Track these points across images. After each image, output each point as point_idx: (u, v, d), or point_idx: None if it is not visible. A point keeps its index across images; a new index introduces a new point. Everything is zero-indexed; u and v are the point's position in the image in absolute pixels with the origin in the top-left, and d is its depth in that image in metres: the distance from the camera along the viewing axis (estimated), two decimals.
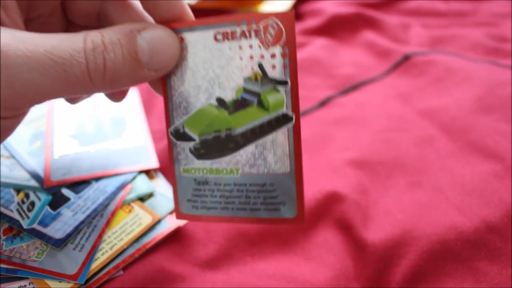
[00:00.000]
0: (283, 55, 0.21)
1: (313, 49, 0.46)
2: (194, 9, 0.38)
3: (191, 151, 0.24)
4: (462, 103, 0.37)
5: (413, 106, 0.38)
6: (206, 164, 0.23)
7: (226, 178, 0.23)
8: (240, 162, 0.23)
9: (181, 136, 0.24)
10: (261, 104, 0.22)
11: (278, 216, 0.23)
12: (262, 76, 0.21)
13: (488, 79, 0.39)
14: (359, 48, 0.48)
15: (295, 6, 0.55)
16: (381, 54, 0.46)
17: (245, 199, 0.23)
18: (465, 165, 0.32)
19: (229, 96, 0.22)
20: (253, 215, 0.23)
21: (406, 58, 0.44)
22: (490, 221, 0.27)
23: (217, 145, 0.23)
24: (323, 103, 0.40)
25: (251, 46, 0.21)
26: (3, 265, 0.24)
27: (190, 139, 0.23)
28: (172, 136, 0.24)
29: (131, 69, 0.20)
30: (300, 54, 0.45)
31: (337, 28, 0.50)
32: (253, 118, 0.22)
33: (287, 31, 0.21)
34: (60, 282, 0.24)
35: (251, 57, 0.21)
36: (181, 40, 0.22)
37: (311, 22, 0.51)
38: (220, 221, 0.24)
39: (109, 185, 0.29)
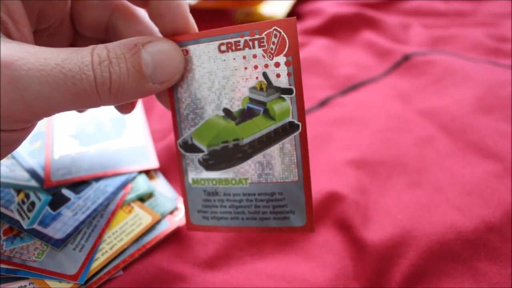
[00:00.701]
0: (287, 63, 0.21)
1: (313, 49, 0.46)
2: (194, 9, 0.38)
3: (199, 162, 0.24)
4: (462, 103, 0.37)
5: (413, 106, 0.38)
6: (215, 174, 0.24)
7: (235, 188, 0.23)
8: (248, 172, 0.23)
9: (189, 147, 0.24)
10: (267, 114, 0.22)
11: (288, 224, 0.23)
12: (267, 85, 0.22)
13: (488, 79, 0.39)
14: (359, 48, 0.48)
15: (295, 6, 0.55)
16: (381, 54, 0.46)
17: (254, 209, 0.23)
18: (465, 165, 0.32)
19: (235, 106, 0.22)
20: (263, 224, 0.23)
21: (406, 58, 0.44)
22: (489, 221, 0.27)
23: (225, 156, 0.23)
24: (323, 103, 0.40)
25: (255, 56, 0.21)
26: (3, 265, 0.24)
27: (198, 150, 0.24)
28: (181, 148, 0.24)
29: (135, 82, 0.20)
30: (300, 54, 0.45)
31: (337, 28, 0.50)
32: (260, 127, 0.22)
33: (290, 39, 0.21)
34: (60, 282, 0.24)
35: (256, 67, 0.22)
36: (186, 52, 0.22)
37: (311, 22, 0.51)
38: (231, 231, 0.24)
39: (109, 185, 0.29)
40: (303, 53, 0.46)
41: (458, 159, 0.32)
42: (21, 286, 0.23)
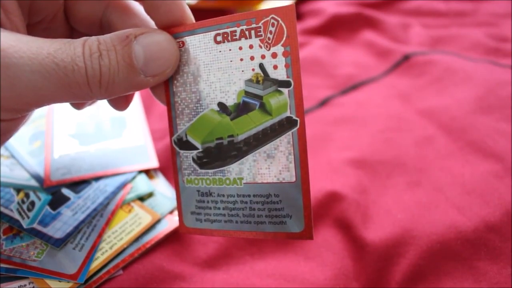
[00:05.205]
0: (285, 54, 0.20)
1: (313, 49, 0.46)
2: (194, 9, 0.38)
3: (193, 160, 0.23)
4: (462, 103, 0.37)
5: (413, 106, 0.38)
6: (209, 174, 0.22)
7: (229, 188, 0.22)
8: (243, 171, 0.22)
9: (184, 144, 0.23)
10: (263, 108, 0.21)
11: (284, 230, 0.21)
12: (264, 77, 0.20)
13: (488, 79, 0.39)
14: (359, 48, 0.48)
15: (295, 6, 0.55)
16: (381, 54, 0.46)
17: (249, 211, 0.22)
18: (465, 164, 0.32)
19: (231, 100, 0.21)
20: (257, 228, 0.22)
21: (406, 58, 0.44)
22: (489, 221, 0.27)
23: (219, 153, 0.22)
24: (323, 103, 0.40)
25: (251, 46, 0.20)
26: (3, 265, 0.24)
27: (193, 147, 0.23)
28: (176, 145, 0.23)
29: (126, 75, 0.20)
30: (300, 54, 0.45)
31: (337, 28, 0.50)
32: (255, 123, 0.21)
33: (288, 28, 0.19)
34: (60, 281, 0.24)
35: (252, 58, 0.20)
36: (182, 44, 0.22)
37: (311, 22, 0.51)
38: (224, 235, 0.23)
39: (109, 185, 0.29)
40: (303, 53, 0.46)
41: (458, 159, 0.32)
42: (20, 286, 0.23)
